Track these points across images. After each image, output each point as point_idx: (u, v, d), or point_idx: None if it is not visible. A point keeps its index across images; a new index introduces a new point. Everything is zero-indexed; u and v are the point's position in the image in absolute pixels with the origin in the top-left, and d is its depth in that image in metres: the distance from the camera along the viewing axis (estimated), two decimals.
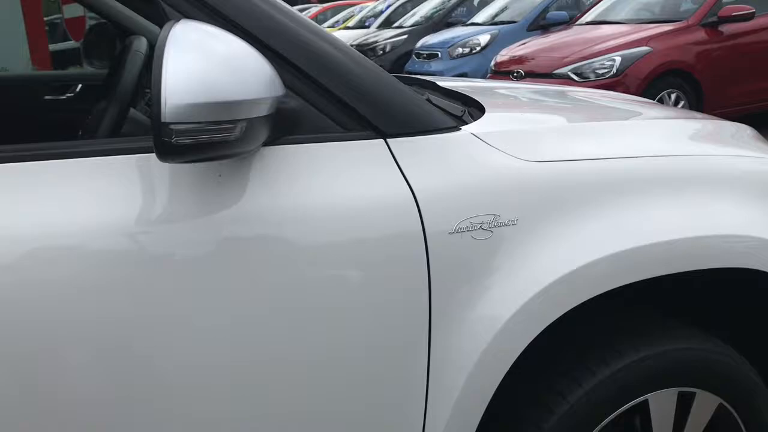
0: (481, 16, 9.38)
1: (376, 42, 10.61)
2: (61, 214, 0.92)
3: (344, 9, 18.03)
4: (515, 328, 1.11)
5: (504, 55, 6.88)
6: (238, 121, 0.87)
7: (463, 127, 1.18)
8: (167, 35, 0.82)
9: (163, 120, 0.81)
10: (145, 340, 0.94)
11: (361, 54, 1.13)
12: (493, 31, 8.40)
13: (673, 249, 1.21)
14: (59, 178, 0.93)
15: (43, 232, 0.90)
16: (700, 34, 5.91)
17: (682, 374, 1.30)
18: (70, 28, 6.10)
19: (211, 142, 0.86)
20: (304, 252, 1.02)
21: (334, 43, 1.09)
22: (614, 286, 1.17)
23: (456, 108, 1.35)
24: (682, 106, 5.78)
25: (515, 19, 8.56)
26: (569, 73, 5.81)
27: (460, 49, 8.39)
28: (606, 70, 5.68)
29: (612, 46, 5.83)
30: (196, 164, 0.96)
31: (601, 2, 7.34)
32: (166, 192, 0.97)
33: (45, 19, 8.89)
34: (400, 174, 1.07)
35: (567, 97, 1.89)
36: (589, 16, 7.10)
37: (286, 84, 0.98)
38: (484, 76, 7.14)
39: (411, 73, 7.14)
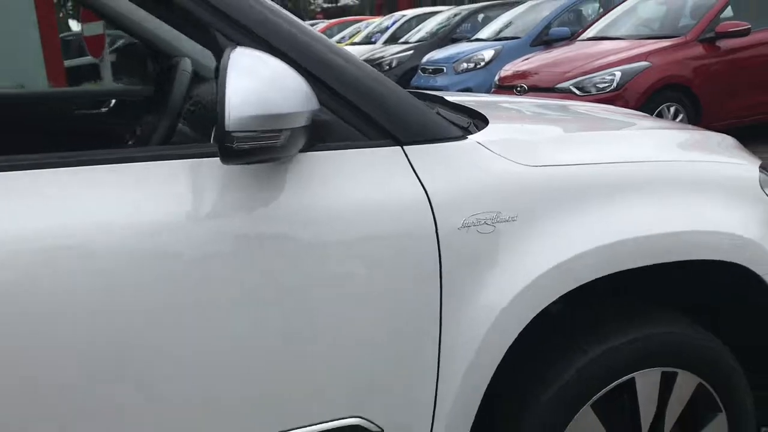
0: (486, 32, 9.56)
1: (382, 57, 10.80)
2: (128, 210, 1.09)
3: (350, 25, 18.25)
4: (514, 310, 1.27)
5: (508, 70, 7.06)
6: (283, 130, 1.04)
7: (469, 137, 1.35)
8: (227, 61, 1.00)
9: (227, 129, 0.99)
10: (203, 320, 1.11)
11: (380, 73, 1.30)
12: (497, 47, 8.58)
13: (653, 242, 1.37)
14: (135, 180, 1.10)
15: (118, 224, 1.07)
16: (698, 50, 6.09)
17: (664, 356, 1.46)
18: (89, 46, 6.32)
19: (262, 147, 1.03)
20: (335, 244, 1.18)
21: (359, 64, 1.27)
22: (601, 275, 1.33)
23: (463, 120, 1.52)
24: (681, 120, 5.94)
25: (518, 35, 8.74)
26: (571, 87, 5.98)
27: (464, 64, 8.58)
28: (606, 85, 5.86)
29: (612, 61, 6.01)
30: (242, 168, 1.13)
31: (602, 19, 7.53)
32: (216, 192, 1.14)
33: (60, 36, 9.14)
34: (415, 176, 1.24)
35: (565, 109, 2.06)
36: (590, 32, 7.28)
37: (319, 100, 1.16)
38: (488, 91, 7.32)
39: (417, 88, 7.31)
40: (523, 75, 6.71)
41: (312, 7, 42.49)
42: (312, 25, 17.29)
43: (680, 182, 1.48)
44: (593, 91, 5.88)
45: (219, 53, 1.15)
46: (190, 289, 1.10)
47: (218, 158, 1.08)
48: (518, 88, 6.48)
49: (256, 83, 1.01)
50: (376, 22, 15.42)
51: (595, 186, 1.38)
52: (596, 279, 1.34)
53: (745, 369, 1.57)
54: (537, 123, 1.79)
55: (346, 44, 14.42)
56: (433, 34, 11.25)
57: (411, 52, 10.65)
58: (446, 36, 10.87)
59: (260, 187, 1.14)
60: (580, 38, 7.30)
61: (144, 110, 1.94)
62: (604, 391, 1.41)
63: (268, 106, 1.01)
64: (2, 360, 1.02)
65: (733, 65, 6.12)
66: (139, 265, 1.07)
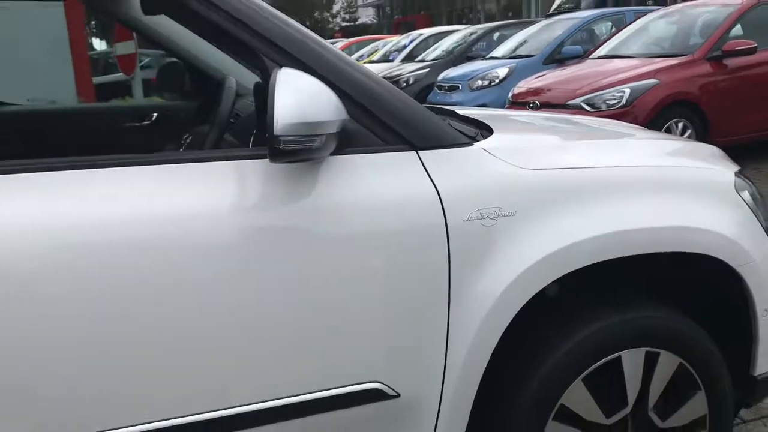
0: (500, 50, 9.77)
1: (399, 75, 11.04)
2: (188, 202, 1.31)
3: (368, 44, 18.58)
4: (512, 291, 1.47)
5: (521, 87, 7.28)
6: (318, 135, 1.27)
7: (475, 144, 1.56)
8: (275, 80, 1.23)
9: (275, 134, 1.22)
10: (250, 294, 1.33)
11: (399, 89, 1.53)
12: (511, 65, 8.79)
13: (635, 236, 1.58)
14: (194, 176, 1.33)
15: (181, 213, 1.30)
16: (706, 68, 6.28)
17: (647, 337, 1.65)
18: (121, 64, 6.64)
19: (301, 149, 1.26)
20: (360, 233, 1.40)
21: (380, 81, 1.49)
22: (590, 263, 1.54)
23: (470, 130, 1.74)
24: (689, 135, 6.12)
25: (532, 53, 8.95)
26: (581, 103, 6.18)
27: (479, 82, 8.80)
28: (616, 101, 6.05)
29: (622, 79, 6.21)
30: (280, 167, 1.35)
31: (613, 37, 7.74)
32: (258, 188, 1.36)
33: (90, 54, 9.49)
34: (428, 177, 1.46)
35: (564, 121, 2.28)
36: (601, 51, 7.50)
37: (347, 111, 1.38)
38: (502, 107, 7.53)
39: (433, 104, 7.54)
40: (535, 92, 6.92)
41: (331, 26, 43.08)
42: (331, 44, 17.61)
43: (663, 184, 1.68)
44: (603, 107, 6.08)
45: (265, 73, 1.38)
46: (239, 267, 1.32)
47: (259, 160, 1.32)
48: (531, 104, 6.69)
49: (297, 97, 1.24)
50: (393, 40, 15.72)
51: (586, 187, 1.59)
52: (592, 271, 1.55)
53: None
54: (536, 132, 2.01)
55: (365, 62, 14.71)
56: (449, 52, 11.47)
57: (427, 69, 10.89)
58: (462, 54, 11.09)
59: (297, 183, 1.36)
60: (591, 56, 7.51)
61: (189, 121, 2.18)
62: (593, 367, 1.61)
63: (307, 116, 1.24)
64: (98, 326, 1.24)
65: (740, 82, 6.30)
66: (205, 245, 1.29)
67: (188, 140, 1.88)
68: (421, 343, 1.47)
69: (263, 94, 1.37)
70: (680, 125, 6.14)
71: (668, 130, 6.07)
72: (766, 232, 1.82)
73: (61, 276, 1.21)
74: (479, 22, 23.32)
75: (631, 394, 1.66)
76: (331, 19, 44.59)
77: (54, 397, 1.24)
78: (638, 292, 1.76)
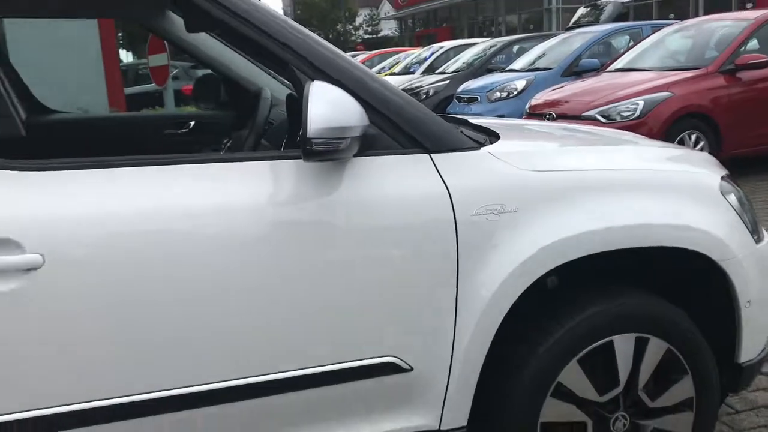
0: (519, 63, 9.96)
1: (420, 87, 11.26)
2: (233, 195, 1.53)
3: (390, 56, 18.84)
4: (512, 279, 1.66)
5: (538, 98, 7.46)
6: (344, 138, 1.48)
7: (482, 148, 1.76)
8: (309, 91, 1.45)
9: (308, 136, 1.43)
10: (284, 276, 1.53)
11: (414, 99, 1.73)
12: (529, 77, 8.97)
13: (625, 231, 1.76)
14: (239, 174, 1.55)
15: (235, 202, 1.51)
16: (719, 81, 6.42)
17: (637, 324, 1.83)
18: (154, 75, 6.95)
19: (330, 150, 1.46)
20: (378, 226, 1.60)
21: (398, 92, 1.69)
22: (579, 256, 1.72)
23: (479, 136, 1.94)
24: (702, 146, 6.26)
25: (550, 66, 9.13)
26: (596, 115, 6.35)
27: (498, 94, 8.98)
28: (630, 113, 6.21)
29: (636, 91, 6.37)
30: (309, 166, 1.56)
31: (630, 51, 7.90)
32: (291, 184, 1.58)
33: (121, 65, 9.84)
34: (439, 176, 1.66)
35: (568, 130, 2.47)
36: (618, 64, 7.66)
37: (369, 118, 1.58)
38: (519, 119, 7.72)
39: (451, 115, 7.73)
40: (552, 103, 7.10)
41: (353, 38, 43.52)
42: (353, 56, 17.94)
43: (651, 185, 1.87)
44: (618, 118, 6.24)
45: (299, 86, 1.59)
46: (275, 252, 1.53)
47: (291, 160, 1.53)
48: (547, 116, 6.86)
49: (327, 106, 1.45)
50: (415, 53, 15.95)
51: (581, 187, 1.78)
52: (587, 264, 1.74)
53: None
54: (539, 139, 2.21)
55: (386, 74, 14.96)
56: (469, 65, 11.66)
57: (447, 81, 11.09)
58: (482, 66, 11.27)
59: (325, 181, 1.57)
60: (608, 69, 7.67)
61: (224, 129, 2.41)
62: (588, 349, 1.79)
63: (335, 121, 1.45)
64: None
65: (753, 95, 6.43)
66: (247, 231, 1.51)
67: (228, 144, 2.11)
68: (432, 323, 1.66)
69: (296, 104, 1.59)
70: (693, 137, 6.28)
71: (681, 142, 6.21)
72: (750, 232, 1.99)
73: (156, 254, 1.46)
74: (501, 35, 23.54)
75: (623, 375, 1.84)
76: (353, 32, 45.05)
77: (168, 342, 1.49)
78: (630, 285, 1.94)
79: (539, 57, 9.70)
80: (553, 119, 6.76)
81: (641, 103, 6.22)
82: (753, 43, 6.86)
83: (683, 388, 1.92)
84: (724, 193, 1.96)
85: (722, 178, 2.01)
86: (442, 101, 10.53)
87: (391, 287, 1.62)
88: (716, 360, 1.96)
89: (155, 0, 2.46)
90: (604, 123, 6.24)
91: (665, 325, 1.87)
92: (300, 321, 1.57)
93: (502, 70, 10.14)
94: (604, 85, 6.93)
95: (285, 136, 2.00)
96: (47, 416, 1.42)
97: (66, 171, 1.45)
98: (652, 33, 8.24)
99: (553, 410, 1.79)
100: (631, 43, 9.03)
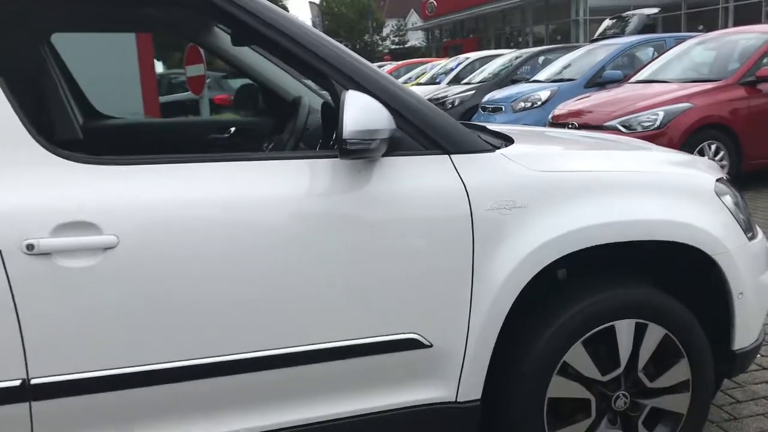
0: (544, 74, 10.13)
1: (446, 96, 11.46)
2: (274, 188, 1.76)
3: (417, 66, 19.07)
4: (521, 267, 1.87)
5: (561, 108, 7.63)
6: (374, 140, 1.70)
7: (497, 150, 1.98)
8: (344, 99, 1.68)
9: (343, 137, 1.66)
10: (321, 260, 1.75)
11: (435, 106, 1.95)
12: (553, 88, 9.13)
13: (625, 226, 1.96)
14: (281, 170, 1.78)
15: (279, 196, 1.74)
16: (739, 92, 6.55)
17: (637, 311, 2.02)
18: (191, 85, 7.26)
19: (362, 149, 1.69)
20: (403, 220, 1.81)
21: (422, 101, 1.91)
22: (582, 247, 1.91)
23: (495, 140, 2.15)
24: (721, 157, 6.39)
25: (574, 77, 9.28)
26: (617, 125, 6.51)
27: (522, 104, 9.16)
28: (650, 123, 6.36)
29: (657, 102, 6.52)
30: (343, 164, 1.78)
31: (652, 63, 8.04)
32: (327, 180, 1.80)
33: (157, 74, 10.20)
34: (458, 175, 1.87)
35: (581, 136, 2.67)
36: (640, 76, 7.80)
37: (396, 123, 1.80)
38: None
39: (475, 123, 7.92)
40: (575, 113, 7.27)
41: (380, 48, 43.89)
42: (380, 66, 18.23)
43: (652, 186, 2.06)
44: (638, 129, 6.39)
45: (335, 95, 1.82)
46: (314, 239, 1.75)
47: (327, 159, 1.76)
48: (569, 125, 7.03)
49: (359, 111, 1.68)
50: (441, 63, 16.17)
51: (587, 186, 1.98)
52: (597, 258, 1.94)
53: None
54: (552, 143, 2.42)
55: (412, 84, 15.18)
56: (494, 75, 11.84)
57: (473, 91, 11.28)
58: (507, 77, 11.45)
59: (356, 177, 1.79)
60: (631, 81, 7.82)
61: (263, 134, 2.66)
62: (591, 332, 1.99)
63: (366, 125, 1.68)
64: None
65: None
66: (289, 222, 1.74)
67: (270, 146, 2.35)
68: (450, 305, 1.87)
69: (330, 111, 1.81)
70: (713, 147, 6.41)
71: (701, 152, 6.34)
72: (744, 230, 2.17)
73: (224, 239, 1.69)
74: (528, 46, 23.67)
75: (623, 357, 2.03)
76: (380, 42, 45.44)
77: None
78: (633, 277, 2.13)
79: (564, 68, 9.85)
80: (575, 129, 6.92)
81: (661, 114, 6.36)
82: None
83: (680, 371, 2.10)
84: (719, 194, 2.15)
85: (718, 180, 2.20)
86: (467, 111, 10.72)
87: (414, 272, 1.83)
88: (712, 348, 2.14)
89: (204, 18, 2.72)
90: (625, 133, 6.39)
91: (663, 312, 2.05)
92: (333, 299, 1.78)
93: (527, 81, 10.31)
94: (625, 96, 7.09)
95: (320, 139, 2.23)
96: (115, 375, 1.65)
97: (137, 166, 1.69)
98: (676, 45, 8.36)
99: (559, 387, 1.99)
100: (655, 55, 9.16)
